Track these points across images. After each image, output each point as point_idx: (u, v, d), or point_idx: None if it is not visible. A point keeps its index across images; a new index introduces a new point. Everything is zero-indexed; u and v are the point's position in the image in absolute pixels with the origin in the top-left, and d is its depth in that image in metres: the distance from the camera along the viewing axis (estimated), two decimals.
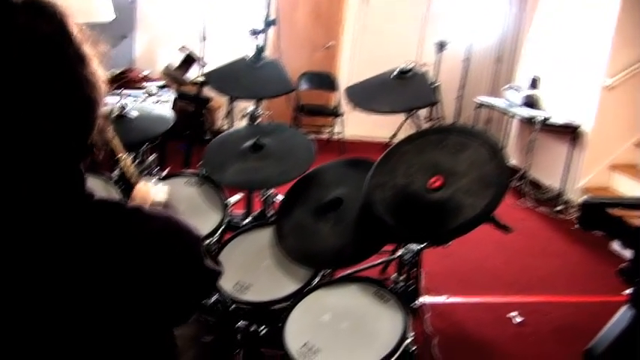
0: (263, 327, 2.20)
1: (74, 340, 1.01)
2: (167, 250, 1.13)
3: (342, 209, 2.22)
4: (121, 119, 2.53)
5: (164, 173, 2.75)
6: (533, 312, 3.72)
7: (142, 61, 6.97)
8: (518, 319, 3.61)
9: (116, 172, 2.58)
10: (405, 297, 2.04)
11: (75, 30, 0.99)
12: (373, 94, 2.46)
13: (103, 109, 1.08)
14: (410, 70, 2.40)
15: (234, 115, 6.10)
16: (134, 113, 2.57)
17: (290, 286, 2.19)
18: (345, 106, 7.28)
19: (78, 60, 0.98)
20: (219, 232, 2.41)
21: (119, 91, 5.46)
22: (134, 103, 2.66)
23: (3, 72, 0.89)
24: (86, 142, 1.04)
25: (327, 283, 2.16)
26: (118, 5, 6.70)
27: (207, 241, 2.36)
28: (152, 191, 1.88)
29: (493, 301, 3.88)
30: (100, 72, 1.05)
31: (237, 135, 2.61)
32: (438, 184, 1.93)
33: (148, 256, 1.08)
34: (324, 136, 7.68)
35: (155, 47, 7.16)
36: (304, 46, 7.66)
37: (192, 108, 6.56)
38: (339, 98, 7.08)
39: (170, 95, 5.53)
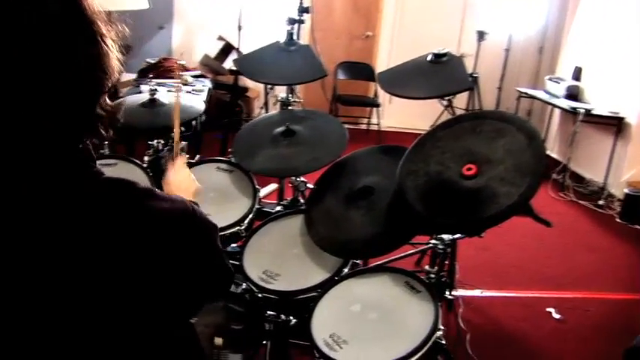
0: (292, 317, 2.16)
1: (77, 325, 0.98)
2: (179, 232, 1.08)
3: (374, 197, 2.16)
4: (151, 105, 2.51)
5: (196, 159, 2.72)
6: (572, 308, 3.61)
7: (180, 51, 7.00)
8: (557, 316, 3.50)
9: (146, 159, 2.58)
10: (437, 289, 1.98)
11: (88, 9, 0.96)
12: (407, 80, 2.39)
13: (113, 89, 1.06)
14: (445, 54, 2.32)
15: (271, 104, 6.08)
16: (164, 100, 2.55)
17: (319, 276, 2.14)
18: (383, 97, 7.21)
19: (87, 39, 0.96)
20: (249, 219, 2.37)
21: (153, 80, 5.51)
22: (164, 92, 2.62)
23: (9, 47, 0.88)
24: (92, 121, 1.02)
25: (357, 272, 2.11)
26: None
27: (236, 228, 2.33)
28: (188, 177, 1.84)
29: (530, 296, 3.77)
30: (114, 53, 1.02)
31: (268, 121, 2.57)
32: (472, 171, 1.85)
33: (159, 238, 1.05)
34: (362, 127, 7.61)
35: (192, 37, 7.18)
36: (342, 36, 7.59)
37: (228, 97, 6.57)
38: (377, 89, 6.99)
39: (205, 85, 5.53)
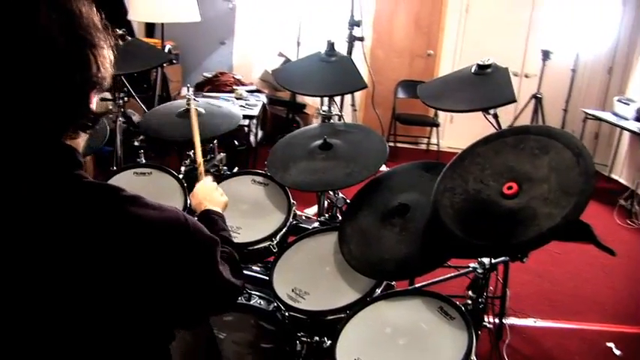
0: (325, 339, 2.06)
1: (50, 328, 0.94)
2: (166, 241, 1.02)
3: (410, 216, 2.04)
4: (186, 116, 2.47)
5: (234, 171, 2.68)
6: (634, 344, 3.35)
7: (240, 67, 7.05)
8: (617, 352, 3.25)
9: (183, 169, 2.54)
10: (473, 316, 1.84)
11: (71, 5, 0.94)
12: (449, 92, 2.27)
13: (101, 89, 1.02)
14: (489, 65, 2.19)
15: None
16: (201, 110, 2.51)
17: (349, 296, 2.03)
18: (444, 117, 7.05)
19: (75, 43, 0.93)
20: (281, 234, 2.28)
21: (208, 93, 5.56)
22: (203, 102, 2.59)
23: None
24: (78, 119, 0.98)
25: (389, 294, 1.99)
26: (218, 12, 6.88)
27: (268, 243, 2.25)
28: (216, 190, 1.81)
29: (589, 329, 3.53)
30: (106, 55, 1.00)
31: (306, 134, 2.49)
32: (512, 190, 1.71)
33: (143, 245, 0.99)
34: (422, 146, 7.47)
35: (252, 53, 7.22)
36: (403, 54, 7.49)
37: (284, 113, 6.56)
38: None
39: (259, 100, 5.55)
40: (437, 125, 6.93)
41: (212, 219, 1.61)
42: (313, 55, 2.59)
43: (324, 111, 2.68)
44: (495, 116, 2.11)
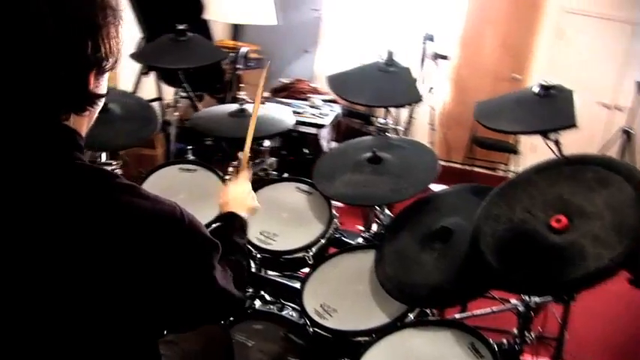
0: None
1: (36, 315, 0.91)
2: (156, 234, 0.97)
3: (451, 241, 1.90)
4: (239, 115, 2.44)
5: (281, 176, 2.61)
6: None
7: (320, 76, 7.02)
8: None
9: (231, 169, 2.50)
10: (506, 357, 1.68)
11: None
12: (505, 112, 2.11)
13: (102, 69, 0.99)
14: (553, 86, 2.01)
15: (410, 133, 5.90)
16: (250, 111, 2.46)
17: (378, 319, 1.92)
18: (525, 144, 6.75)
19: (56, 16, 0.89)
20: (318, 246, 2.19)
21: (283, 100, 5.56)
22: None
23: None
24: (65, 99, 0.94)
25: (419, 322, 1.86)
26: (304, 20, 6.89)
27: (303, 253, 2.17)
28: (248, 193, 1.73)
29: None
30: (113, 37, 0.97)
31: (358, 146, 2.39)
32: (561, 224, 1.55)
33: (131, 234, 0.94)
34: (499, 173, 7.18)
35: (334, 63, 7.18)
36: (487, 76, 7.24)
37: (360, 126, 6.47)
38: (519, 136, 6.54)
39: (333, 110, 5.48)
40: (515, 152, 6.63)
41: (231, 223, 1.53)
42: (371, 64, 2.49)
43: (380, 123, 2.58)
44: (557, 142, 1.94)
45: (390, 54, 2.43)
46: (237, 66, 4.32)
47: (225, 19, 3.78)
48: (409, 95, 2.31)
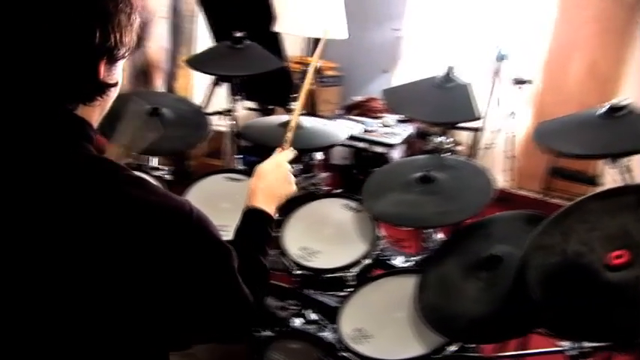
0: None
1: (36, 308, 0.88)
2: (163, 230, 0.92)
3: (500, 270, 1.74)
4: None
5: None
6: None
7: None
8: None
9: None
10: None
11: None
12: (568, 135, 1.93)
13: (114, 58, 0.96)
14: (624, 106, 1.81)
15: (480, 155, 5.69)
16: (307, 125, 2.39)
17: (413, 350, 1.79)
18: (607, 177, 6.35)
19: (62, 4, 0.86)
20: (359, 267, 2.08)
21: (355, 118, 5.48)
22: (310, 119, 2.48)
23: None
24: (73, 88, 0.92)
25: (456, 357, 1.71)
26: (384, 40, 6.82)
27: (342, 273, 2.06)
28: (286, 176, 1.51)
29: None
30: (129, 27, 0.95)
31: (411, 164, 2.26)
32: (621, 260, 1.37)
33: (135, 229, 0.90)
34: None
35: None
36: (571, 103, 6.85)
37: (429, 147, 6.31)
38: (602, 167, 6.16)
39: (406, 130, 5.36)
40: (595, 184, 6.23)
41: (255, 223, 1.33)
42: (429, 79, 2.36)
43: (435, 142, 2.44)
44: (627, 170, 1.75)
45: (450, 69, 2.30)
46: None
47: (294, 31, 3.74)
48: (464, 113, 2.17)
